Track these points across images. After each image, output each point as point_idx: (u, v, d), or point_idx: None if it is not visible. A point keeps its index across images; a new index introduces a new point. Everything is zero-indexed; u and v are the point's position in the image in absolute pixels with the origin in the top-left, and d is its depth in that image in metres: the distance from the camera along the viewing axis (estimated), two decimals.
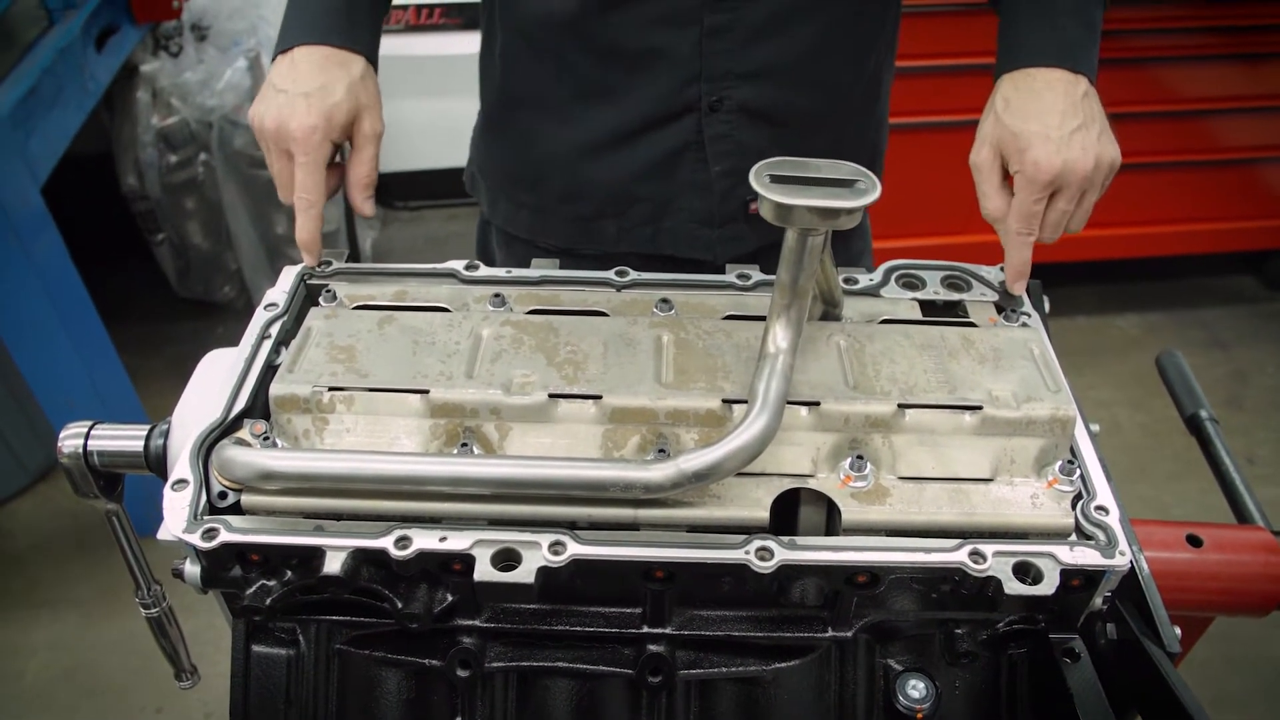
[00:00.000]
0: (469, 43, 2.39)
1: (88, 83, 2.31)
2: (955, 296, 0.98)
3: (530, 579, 0.72)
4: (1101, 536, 0.75)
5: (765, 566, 0.73)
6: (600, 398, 0.81)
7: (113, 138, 2.90)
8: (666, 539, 0.76)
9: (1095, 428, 0.96)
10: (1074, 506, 0.78)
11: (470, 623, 0.81)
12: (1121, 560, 0.73)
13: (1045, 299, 1.04)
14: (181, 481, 0.78)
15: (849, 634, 0.81)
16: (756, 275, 0.98)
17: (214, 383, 0.87)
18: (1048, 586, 0.72)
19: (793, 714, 0.83)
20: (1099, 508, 0.77)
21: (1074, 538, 0.77)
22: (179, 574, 0.77)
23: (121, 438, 0.90)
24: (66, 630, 2.42)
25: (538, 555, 0.73)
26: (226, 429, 0.82)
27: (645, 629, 0.81)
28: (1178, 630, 0.82)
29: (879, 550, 0.74)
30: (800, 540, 0.75)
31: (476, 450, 0.80)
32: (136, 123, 2.86)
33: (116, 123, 2.88)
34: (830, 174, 0.74)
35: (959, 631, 0.81)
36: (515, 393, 0.81)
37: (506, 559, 0.73)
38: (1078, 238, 1.03)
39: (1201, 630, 1.10)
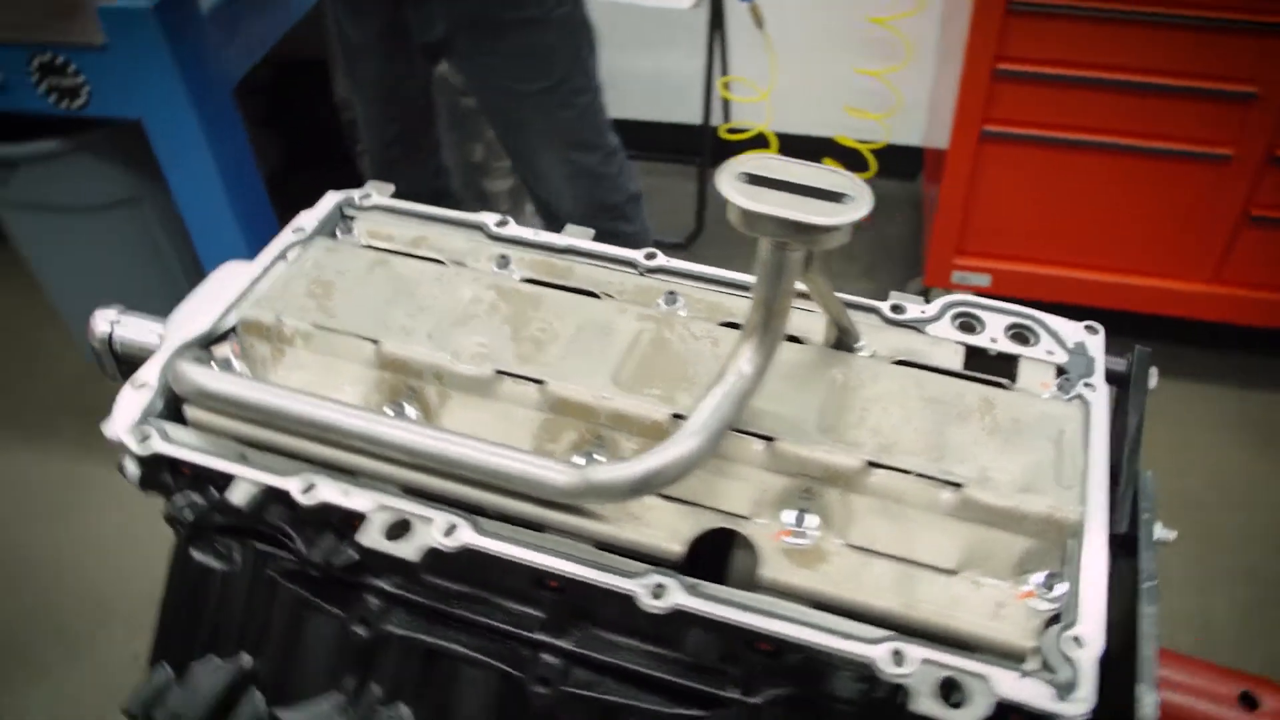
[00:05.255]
0: None
1: None
2: (1014, 349, 0.84)
3: (414, 556, 0.69)
4: (1066, 673, 0.62)
5: (656, 606, 0.65)
6: (544, 383, 0.75)
7: (328, 46, 3.06)
8: (567, 548, 0.69)
9: (1171, 535, 0.80)
10: (1046, 628, 0.65)
11: (378, 583, 0.79)
12: (1075, 709, 0.59)
13: (1154, 371, 0.87)
14: (144, 384, 0.80)
15: (758, 701, 0.71)
16: None
17: (217, 294, 0.89)
18: (970, 715, 0.60)
19: None
20: (1075, 639, 0.63)
21: (1031, 664, 0.63)
22: (121, 469, 0.80)
23: (141, 329, 0.94)
24: None
25: (429, 534, 0.69)
26: (207, 341, 0.84)
27: (541, 636, 0.75)
28: None
29: (789, 620, 0.64)
30: (705, 586, 0.66)
31: (412, 411, 0.77)
32: None
33: (330, 31, 3.03)
34: (815, 182, 0.63)
35: None
36: (464, 361, 0.77)
37: (398, 531, 0.70)
38: None
39: None
